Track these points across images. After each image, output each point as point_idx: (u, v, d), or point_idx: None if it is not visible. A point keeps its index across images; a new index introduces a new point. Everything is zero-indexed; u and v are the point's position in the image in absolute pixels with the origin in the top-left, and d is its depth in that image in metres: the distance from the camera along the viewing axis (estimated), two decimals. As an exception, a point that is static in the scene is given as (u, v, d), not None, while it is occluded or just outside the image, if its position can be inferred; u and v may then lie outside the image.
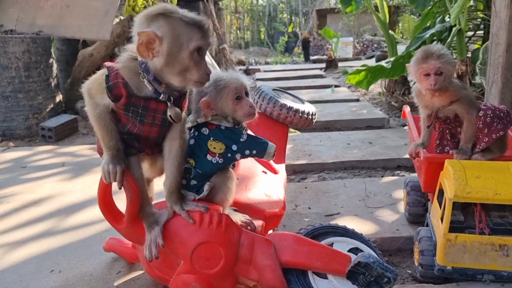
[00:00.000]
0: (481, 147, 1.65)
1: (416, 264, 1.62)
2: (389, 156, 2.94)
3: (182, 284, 1.26)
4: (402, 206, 2.12)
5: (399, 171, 2.79)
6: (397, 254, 1.85)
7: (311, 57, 10.19)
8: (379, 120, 3.98)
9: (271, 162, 1.84)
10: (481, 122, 1.64)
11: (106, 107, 1.21)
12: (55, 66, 4.21)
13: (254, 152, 1.36)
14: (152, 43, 1.10)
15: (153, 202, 1.39)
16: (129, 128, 1.26)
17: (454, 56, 3.81)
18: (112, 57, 4.53)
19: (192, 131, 1.40)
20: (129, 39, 1.19)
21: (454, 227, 1.47)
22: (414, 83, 1.75)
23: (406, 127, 3.72)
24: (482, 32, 3.98)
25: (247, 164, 1.74)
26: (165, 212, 1.31)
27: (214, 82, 1.34)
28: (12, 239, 1.93)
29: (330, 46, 10.74)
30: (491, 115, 1.64)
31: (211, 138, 1.34)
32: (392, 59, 3.75)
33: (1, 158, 3.14)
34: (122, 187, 1.24)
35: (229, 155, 1.34)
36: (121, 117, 1.25)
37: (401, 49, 5.02)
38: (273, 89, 2.08)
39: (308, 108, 2.03)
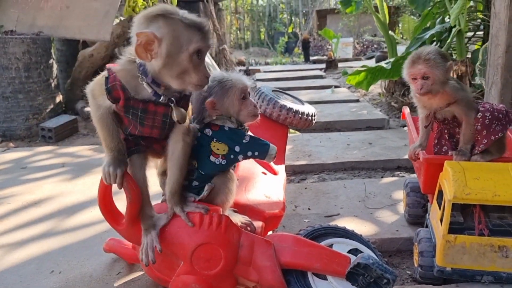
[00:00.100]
0: (480, 149, 1.65)
1: (416, 265, 1.62)
2: (389, 157, 2.94)
3: (182, 285, 1.26)
4: (401, 207, 2.12)
5: (399, 172, 2.79)
6: (396, 255, 1.85)
7: (311, 58, 10.20)
8: (379, 120, 3.98)
9: (271, 163, 1.84)
10: (479, 124, 1.64)
11: (108, 108, 1.21)
12: (55, 66, 4.21)
13: (256, 153, 1.36)
14: (150, 44, 1.08)
15: (153, 203, 1.40)
16: (130, 130, 1.26)
17: (454, 57, 3.82)
18: (112, 57, 4.54)
19: None
20: (129, 40, 1.18)
21: (454, 228, 1.47)
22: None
23: (406, 128, 3.72)
24: (482, 33, 3.98)
25: (247, 165, 1.75)
26: (163, 216, 1.31)
27: (219, 83, 1.34)
28: (12, 240, 1.93)
29: (330, 47, 10.75)
30: (490, 116, 1.64)
31: (214, 139, 1.34)
32: (392, 59, 3.76)
33: (1, 158, 3.14)
34: (122, 188, 1.25)
35: (232, 156, 1.35)
36: (123, 119, 1.25)
37: (401, 49, 5.04)
38: (273, 90, 2.08)
39: (308, 109, 2.04)
